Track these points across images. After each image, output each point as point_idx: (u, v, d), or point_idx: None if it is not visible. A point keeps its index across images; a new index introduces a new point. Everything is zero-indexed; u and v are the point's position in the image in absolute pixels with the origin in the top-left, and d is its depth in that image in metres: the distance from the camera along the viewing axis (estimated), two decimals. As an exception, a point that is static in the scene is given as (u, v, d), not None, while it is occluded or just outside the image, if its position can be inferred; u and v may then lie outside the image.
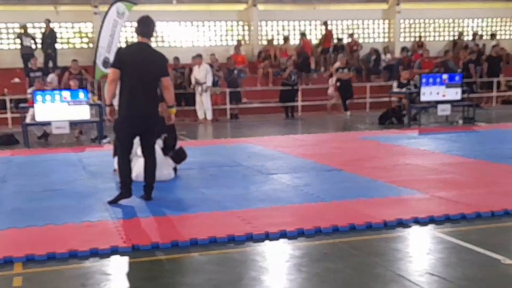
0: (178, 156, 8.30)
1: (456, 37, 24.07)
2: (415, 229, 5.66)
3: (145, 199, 6.84)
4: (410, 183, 7.45)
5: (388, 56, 22.06)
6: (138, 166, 7.51)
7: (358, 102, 19.43)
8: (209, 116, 17.17)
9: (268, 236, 5.42)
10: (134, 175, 7.54)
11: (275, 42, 21.84)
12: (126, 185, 6.76)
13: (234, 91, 18.25)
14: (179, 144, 8.64)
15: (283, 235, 5.45)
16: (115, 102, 6.77)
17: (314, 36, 22.72)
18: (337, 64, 18.73)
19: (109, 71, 6.84)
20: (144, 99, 6.59)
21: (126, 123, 6.67)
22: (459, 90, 14.83)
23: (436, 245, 5.20)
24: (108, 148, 11.65)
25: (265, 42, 22.09)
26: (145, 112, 6.64)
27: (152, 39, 6.97)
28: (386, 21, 23.97)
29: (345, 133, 14.03)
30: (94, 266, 4.83)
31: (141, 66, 6.58)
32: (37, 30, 19.39)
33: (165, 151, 8.02)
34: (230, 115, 18.42)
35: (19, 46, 18.73)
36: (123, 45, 18.01)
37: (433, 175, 8.06)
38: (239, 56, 19.64)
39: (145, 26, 6.74)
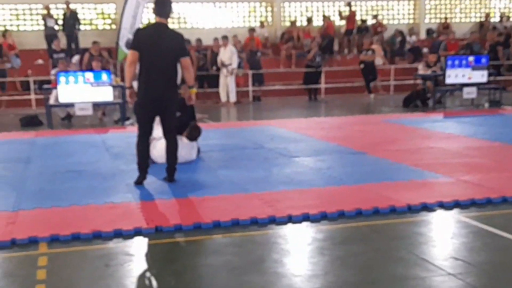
0: (191, 134, 8.25)
1: (482, 19, 23.70)
2: (439, 213, 5.60)
3: (168, 181, 6.84)
4: (435, 167, 7.36)
5: (413, 38, 21.79)
6: (158, 149, 7.52)
7: (382, 84, 19.26)
8: (232, 99, 17.11)
9: (290, 219, 5.40)
10: (153, 157, 7.58)
11: (298, 24, 21.68)
12: (141, 169, 6.78)
13: (257, 73, 18.20)
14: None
15: (306, 218, 5.42)
16: (136, 84, 6.76)
17: (338, 17, 22.49)
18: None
19: (128, 53, 6.81)
20: (162, 80, 6.56)
21: (144, 105, 6.66)
22: (485, 72, 14.59)
23: (460, 230, 5.14)
24: (131, 129, 11.71)
25: (288, 24, 21.94)
26: (163, 94, 6.59)
27: (174, 20, 6.93)
28: (412, 2, 23.67)
29: (368, 115, 13.91)
30: (117, 246, 4.86)
31: (158, 47, 6.53)
32: (60, 12, 19.44)
33: (181, 130, 7.97)
34: (252, 97, 18.39)
35: (42, 27, 18.82)
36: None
37: (458, 159, 7.97)
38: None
39: (162, 6, 6.68)
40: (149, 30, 6.88)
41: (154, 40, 6.55)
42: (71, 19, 18.69)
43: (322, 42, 20.01)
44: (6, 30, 18.69)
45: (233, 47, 17.13)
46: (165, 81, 6.59)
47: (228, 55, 16.84)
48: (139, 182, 6.75)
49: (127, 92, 6.84)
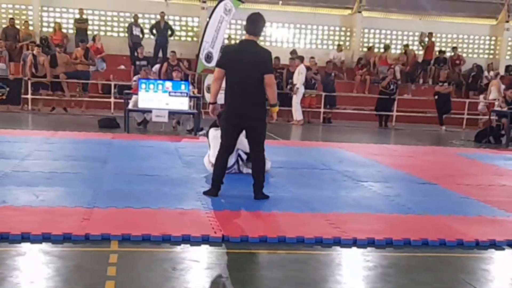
0: None
1: None
2: (508, 252, 5.50)
3: (255, 198, 6.77)
4: (506, 205, 7.21)
5: (491, 73, 21.40)
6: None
7: (455, 117, 18.98)
8: (297, 117, 17.16)
9: (355, 242, 5.40)
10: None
11: (375, 50, 21.66)
12: (214, 184, 6.81)
13: (329, 95, 18.26)
14: None
15: (371, 242, 5.42)
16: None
17: (416, 47, 22.38)
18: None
19: (215, 70, 6.86)
20: (246, 97, 6.56)
21: (229, 120, 6.72)
22: None
23: (529, 271, 5.05)
24: (203, 140, 11.96)
25: (365, 49, 21.95)
26: (247, 111, 6.59)
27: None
28: (493, 38, 23.25)
29: (439, 147, 13.75)
30: (185, 252, 4.97)
31: (243, 64, 6.53)
32: (146, 21, 20.09)
33: None
34: (323, 118, 18.45)
35: (127, 34, 19.45)
36: (226, 41, 18.43)
37: (530, 200, 7.79)
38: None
39: (253, 24, 6.70)
40: (235, 48, 6.93)
41: (239, 57, 6.59)
42: (165, 29, 19.31)
43: (411, 69, 20.06)
44: (96, 34, 19.45)
45: (303, 67, 17.19)
46: (250, 98, 6.58)
47: (296, 75, 17.01)
48: (208, 194, 6.80)
49: (210, 107, 6.91)
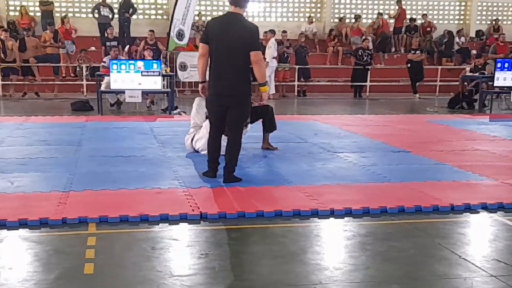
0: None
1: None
2: (483, 215, 5.59)
3: (224, 181, 6.45)
4: (479, 169, 7.33)
5: (462, 39, 21.53)
6: (202, 139, 7.66)
7: (428, 85, 19.12)
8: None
9: (333, 213, 5.46)
10: (198, 147, 7.71)
11: (347, 21, 21.64)
12: (210, 165, 6.62)
13: (303, 68, 18.23)
14: None
15: (348, 212, 5.47)
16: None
17: (387, 15, 22.38)
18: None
19: (200, 45, 6.54)
20: (230, 75, 6.19)
21: (213, 101, 6.41)
22: (535, 76, 14.35)
23: (504, 232, 5.12)
24: (178, 118, 11.95)
25: (336, 20, 21.92)
26: (232, 89, 6.22)
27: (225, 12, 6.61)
28: (463, 3, 23.35)
29: (413, 115, 13.87)
30: (163, 231, 4.98)
31: (228, 39, 6.10)
32: (115, 0, 19.80)
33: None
34: (297, 91, 18.46)
35: (96, 15, 19.18)
36: (196, 18, 18.28)
37: (503, 162, 7.91)
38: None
39: None
40: (219, 21, 6.42)
41: (223, 32, 6.15)
42: (124, 7, 19.02)
43: (378, 40, 19.99)
44: (65, 16, 19.13)
45: (272, 41, 17.09)
46: (234, 76, 6.19)
47: (266, 49, 16.94)
48: (206, 176, 6.63)
49: (200, 86, 6.57)
